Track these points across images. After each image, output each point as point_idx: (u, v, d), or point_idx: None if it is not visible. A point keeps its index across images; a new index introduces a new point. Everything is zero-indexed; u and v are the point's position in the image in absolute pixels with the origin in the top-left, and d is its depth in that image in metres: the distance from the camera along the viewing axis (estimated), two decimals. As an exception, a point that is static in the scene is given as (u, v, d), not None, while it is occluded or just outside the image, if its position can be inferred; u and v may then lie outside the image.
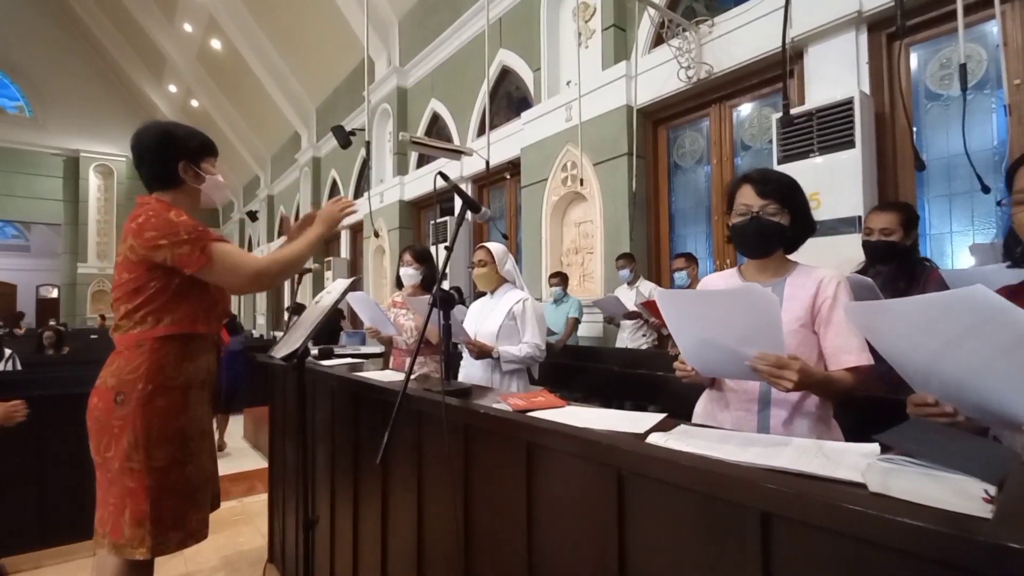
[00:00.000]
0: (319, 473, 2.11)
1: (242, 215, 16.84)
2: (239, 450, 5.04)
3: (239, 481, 3.94)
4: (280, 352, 1.80)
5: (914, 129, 3.36)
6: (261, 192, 15.39)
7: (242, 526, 3.21)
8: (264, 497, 2.94)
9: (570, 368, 3.91)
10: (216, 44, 12.59)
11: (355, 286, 2.04)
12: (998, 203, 2.84)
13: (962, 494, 0.60)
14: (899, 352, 0.89)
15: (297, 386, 1.82)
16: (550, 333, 4.45)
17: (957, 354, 0.79)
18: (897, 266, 2.12)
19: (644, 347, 4.25)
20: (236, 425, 5.83)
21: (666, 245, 4.89)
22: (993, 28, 3.01)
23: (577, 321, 4.59)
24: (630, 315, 4.12)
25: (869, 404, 1.76)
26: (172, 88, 16.26)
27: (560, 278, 4.69)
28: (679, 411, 1.57)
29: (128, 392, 1.53)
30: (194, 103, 15.72)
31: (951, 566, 0.54)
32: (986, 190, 2.73)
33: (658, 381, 2.99)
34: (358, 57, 8.99)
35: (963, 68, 2.59)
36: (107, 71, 18.01)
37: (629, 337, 4.34)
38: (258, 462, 4.43)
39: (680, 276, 3.92)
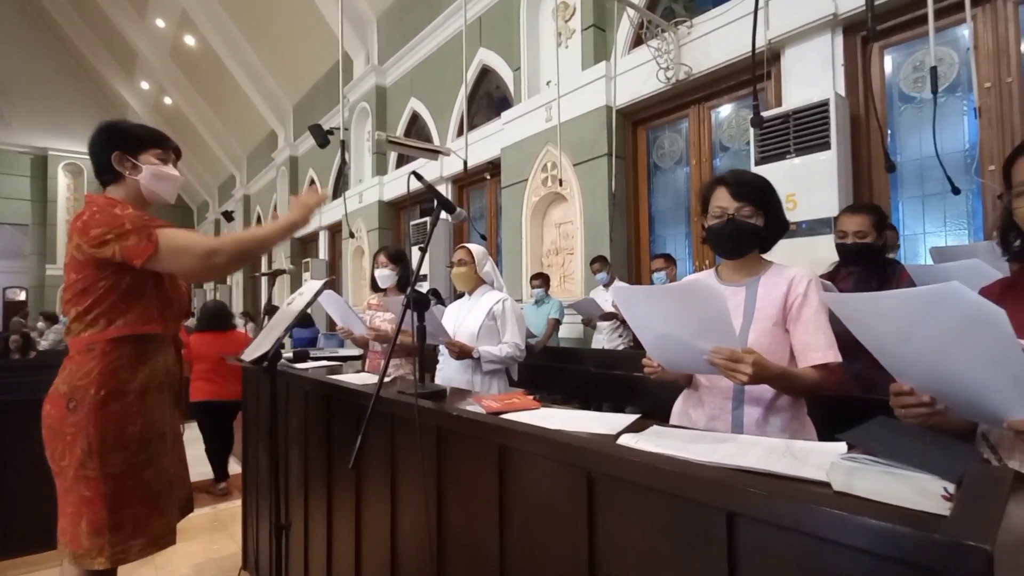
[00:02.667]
0: (292, 478, 2.07)
1: (217, 215, 16.53)
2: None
3: (213, 487, 3.87)
4: (251, 355, 1.76)
5: (888, 131, 3.42)
6: (237, 192, 15.12)
7: (215, 533, 3.15)
8: (238, 503, 2.88)
9: (550, 369, 3.91)
10: (190, 40, 12.32)
11: (329, 287, 2.01)
12: (998, 196, 2.85)
13: (922, 492, 0.61)
14: (881, 345, 0.89)
15: (270, 389, 1.79)
16: (531, 335, 4.46)
17: (937, 349, 0.78)
18: (868, 266, 2.16)
19: (621, 348, 4.27)
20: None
21: (646, 246, 4.92)
22: (964, 32, 3.07)
23: (558, 322, 4.59)
24: (606, 316, 4.14)
25: (843, 402, 1.79)
26: (144, 85, 15.87)
27: (542, 279, 4.70)
28: (658, 411, 1.57)
29: (80, 398, 1.48)
30: (167, 100, 15.38)
31: (910, 564, 0.54)
32: (956, 191, 2.78)
33: (636, 382, 3.00)
34: (336, 54, 8.89)
35: (934, 71, 2.63)
36: (76, 67, 17.47)
37: (606, 338, 4.36)
38: (232, 467, 4.34)
39: (659, 277, 3.95)
